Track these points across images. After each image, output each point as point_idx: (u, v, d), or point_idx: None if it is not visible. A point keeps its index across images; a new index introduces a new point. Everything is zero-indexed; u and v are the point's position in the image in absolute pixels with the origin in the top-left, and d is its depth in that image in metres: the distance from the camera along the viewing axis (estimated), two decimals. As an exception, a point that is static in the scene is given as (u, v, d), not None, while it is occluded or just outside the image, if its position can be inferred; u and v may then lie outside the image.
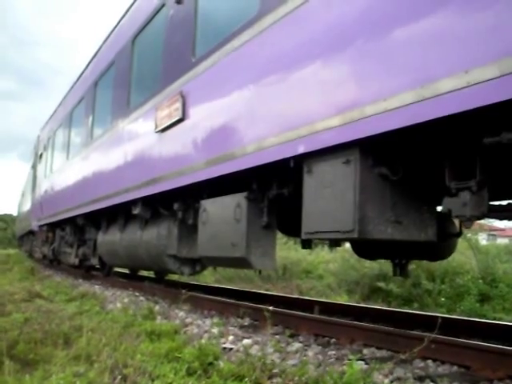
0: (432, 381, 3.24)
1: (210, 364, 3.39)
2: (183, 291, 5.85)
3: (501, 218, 3.63)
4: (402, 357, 3.41)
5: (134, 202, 7.45)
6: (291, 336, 4.75)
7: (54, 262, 15.68)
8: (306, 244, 5.82)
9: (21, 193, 33.45)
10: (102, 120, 9.68)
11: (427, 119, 2.80)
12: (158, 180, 6.37)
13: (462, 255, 10.24)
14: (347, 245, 9.30)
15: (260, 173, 4.65)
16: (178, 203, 6.34)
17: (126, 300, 7.58)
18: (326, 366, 3.52)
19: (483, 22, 2.55)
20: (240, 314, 5.85)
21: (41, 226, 16.24)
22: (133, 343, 3.91)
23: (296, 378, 3.11)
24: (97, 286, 10.14)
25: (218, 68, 5.09)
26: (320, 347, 4.30)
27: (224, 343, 4.33)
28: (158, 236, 7.18)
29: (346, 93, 3.44)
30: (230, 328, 5.12)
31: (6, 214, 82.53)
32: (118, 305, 6.92)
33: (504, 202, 3.65)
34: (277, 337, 4.66)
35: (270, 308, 4.22)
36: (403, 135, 3.12)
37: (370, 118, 3.18)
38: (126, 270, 12.86)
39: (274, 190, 4.72)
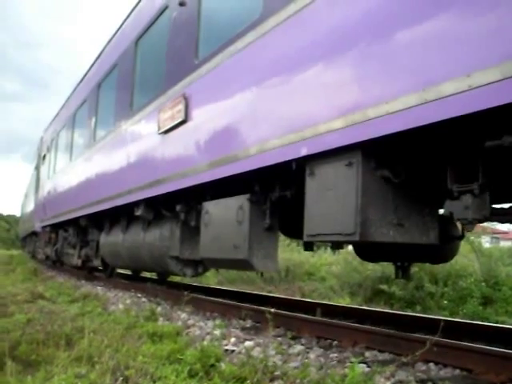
0: (434, 384, 3.24)
1: (212, 366, 3.39)
2: (185, 293, 5.85)
3: (503, 222, 3.62)
4: (404, 360, 3.40)
5: (136, 204, 7.46)
6: (293, 338, 4.75)
7: (56, 262, 15.71)
8: (308, 246, 5.81)
9: (24, 194, 33.53)
10: (105, 121, 9.70)
11: (429, 122, 2.80)
12: (160, 181, 6.38)
13: (464, 258, 10.22)
14: (350, 247, 9.29)
15: (262, 175, 4.65)
16: (181, 205, 6.34)
17: (128, 301, 7.59)
18: (328, 369, 3.51)
19: (485, 26, 2.55)
20: (242, 316, 5.85)
21: (44, 227, 16.27)
22: (135, 345, 3.91)
23: (298, 381, 3.11)
24: (99, 287, 10.15)
25: (220, 70, 5.10)
26: (322, 350, 4.30)
27: (226, 345, 4.33)
28: (160, 237, 7.19)
29: (348, 95, 3.44)
30: (232, 330, 5.12)
31: (9, 215, 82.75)
32: (121, 306, 6.93)
33: (506, 206, 3.65)
34: (279, 339, 4.66)
35: (272, 310, 4.21)
36: (405, 138, 3.12)
37: (373, 121, 3.18)
38: (128, 272, 12.87)
39: (276, 192, 4.72)
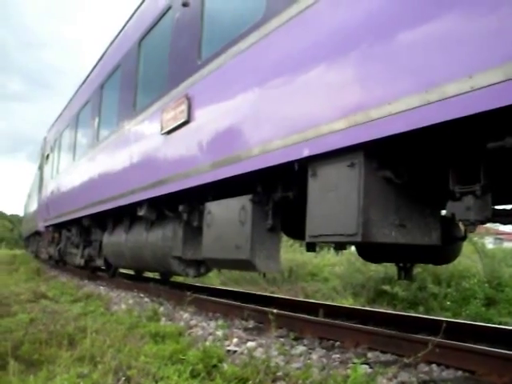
0: (436, 385, 3.23)
1: (214, 366, 3.39)
2: (188, 293, 5.85)
3: (505, 223, 3.61)
4: (407, 361, 3.39)
5: (139, 204, 7.47)
6: (296, 339, 4.74)
7: (59, 262, 15.75)
8: (311, 247, 5.81)
9: (27, 193, 33.62)
10: (108, 122, 9.72)
11: (431, 123, 2.80)
12: (163, 182, 6.39)
13: (468, 259, 10.19)
14: (353, 248, 9.28)
15: (265, 176, 4.65)
16: (184, 205, 6.35)
17: (130, 301, 7.60)
18: (330, 370, 3.51)
19: (487, 27, 2.54)
20: (244, 317, 5.85)
21: (47, 227, 16.31)
22: (137, 345, 3.92)
23: (300, 382, 3.11)
24: (102, 287, 10.17)
25: (223, 71, 5.10)
26: (324, 350, 4.30)
27: (228, 346, 4.33)
28: (163, 238, 7.19)
29: (351, 96, 3.44)
30: (235, 330, 5.12)
31: (12, 215, 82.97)
32: (123, 306, 6.94)
33: (508, 207, 3.64)
34: (281, 340, 4.66)
35: (274, 311, 4.21)
36: (407, 139, 3.12)
37: (375, 122, 3.17)
38: (131, 271, 12.88)
39: (278, 192, 4.72)
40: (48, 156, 17.60)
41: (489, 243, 13.25)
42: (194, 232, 6.54)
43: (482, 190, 3.00)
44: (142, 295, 8.55)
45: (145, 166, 7.20)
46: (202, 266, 7.21)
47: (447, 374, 3.59)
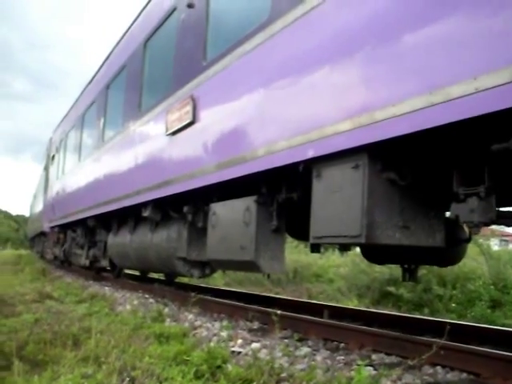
0: (440, 387, 3.23)
1: (219, 367, 3.40)
2: (193, 294, 5.86)
3: (509, 225, 3.60)
4: (411, 363, 3.39)
5: (144, 205, 7.48)
6: (300, 340, 4.74)
7: (64, 263, 15.79)
8: (315, 248, 5.79)
9: (33, 194, 33.73)
10: (113, 122, 9.75)
11: (435, 125, 2.80)
12: (168, 182, 6.40)
13: (473, 261, 10.14)
14: (358, 249, 9.27)
15: (269, 176, 4.65)
16: (188, 206, 6.36)
17: (135, 302, 7.61)
18: (335, 371, 3.51)
19: (491, 28, 2.54)
20: (249, 318, 5.85)
21: (52, 228, 16.37)
22: (141, 345, 3.93)
23: (304, 383, 3.11)
24: (107, 288, 10.19)
25: (228, 72, 5.10)
26: (329, 352, 4.29)
27: (233, 347, 4.34)
28: (167, 238, 7.21)
29: (355, 97, 3.43)
30: (239, 331, 5.12)
31: (18, 215, 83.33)
32: (128, 307, 6.95)
33: (512, 209, 3.62)
34: (285, 341, 4.66)
35: (278, 312, 4.21)
36: (412, 141, 3.12)
37: (380, 123, 3.17)
38: (136, 272, 12.90)
39: (283, 193, 4.71)
40: (53, 157, 17.66)
41: (494, 245, 13.17)
42: (198, 233, 6.55)
43: (486, 192, 2.99)
44: (146, 296, 8.57)
45: (150, 167, 7.21)
46: (207, 266, 7.21)
47: (452, 376, 3.58)
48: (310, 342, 4.74)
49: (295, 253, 15.70)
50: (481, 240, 10.04)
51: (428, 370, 3.68)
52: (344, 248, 5.74)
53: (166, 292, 8.66)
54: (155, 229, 7.71)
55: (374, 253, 5.36)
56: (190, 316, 6.16)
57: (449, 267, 7.58)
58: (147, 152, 7.36)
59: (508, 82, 2.40)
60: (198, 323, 5.69)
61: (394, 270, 9.51)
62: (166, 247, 7.22)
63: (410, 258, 4.96)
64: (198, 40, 5.87)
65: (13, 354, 3.41)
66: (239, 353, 4.11)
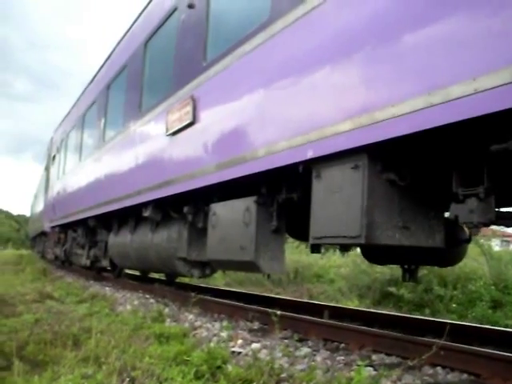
0: (440, 388, 3.22)
1: (219, 368, 3.39)
2: (193, 294, 5.85)
3: (509, 226, 3.60)
4: (411, 363, 3.39)
5: (144, 205, 7.49)
6: (300, 340, 4.74)
7: (65, 263, 15.81)
8: (315, 248, 5.79)
9: (34, 194, 33.77)
10: (114, 123, 9.75)
11: (435, 126, 2.80)
12: (169, 183, 6.40)
13: (474, 261, 10.14)
14: (359, 249, 9.27)
15: (269, 177, 4.65)
16: (189, 206, 6.36)
17: (136, 302, 7.62)
18: (335, 372, 3.51)
19: (491, 29, 2.54)
20: (249, 318, 5.85)
21: (53, 227, 16.38)
22: (142, 346, 3.93)
23: (304, 383, 3.11)
24: (107, 288, 10.19)
25: (229, 72, 5.11)
26: (329, 352, 4.29)
27: (233, 347, 4.34)
28: (168, 239, 7.21)
29: (355, 98, 3.44)
30: (239, 332, 5.12)
31: (19, 215, 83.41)
32: (128, 307, 6.96)
33: (512, 209, 3.62)
34: (286, 341, 4.66)
35: (278, 312, 4.21)
36: (411, 141, 3.11)
37: (379, 124, 3.17)
38: (136, 272, 12.91)
39: (283, 194, 4.72)
40: (54, 157, 17.68)
41: (495, 245, 13.17)
42: (198, 233, 6.56)
43: (486, 193, 2.98)
44: (147, 296, 8.57)
45: (150, 167, 7.21)
46: (207, 267, 7.22)
47: (452, 376, 3.58)
48: (310, 343, 4.74)
49: (296, 253, 15.70)
50: (482, 240, 10.04)
51: (428, 370, 3.68)
52: (344, 248, 5.74)
53: (166, 292, 8.67)
54: (156, 229, 7.71)
55: (374, 253, 5.36)
56: (191, 316, 6.16)
57: (450, 267, 7.58)
58: (148, 152, 7.37)
59: (507, 83, 2.40)
60: (198, 323, 5.69)
61: (395, 270, 9.51)
62: (167, 247, 7.22)
63: (410, 259, 4.96)
64: (199, 40, 5.87)
65: (13, 354, 3.41)
66: (239, 353, 4.11)
